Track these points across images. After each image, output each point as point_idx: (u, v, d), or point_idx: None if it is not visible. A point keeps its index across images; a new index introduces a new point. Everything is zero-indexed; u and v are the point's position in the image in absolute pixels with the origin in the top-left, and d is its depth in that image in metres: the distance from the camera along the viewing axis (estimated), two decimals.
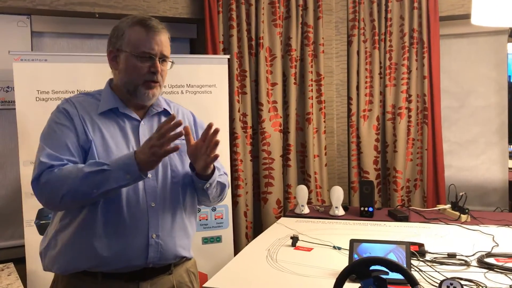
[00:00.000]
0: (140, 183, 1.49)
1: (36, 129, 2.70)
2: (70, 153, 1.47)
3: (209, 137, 1.48)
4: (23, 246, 2.70)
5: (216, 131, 1.48)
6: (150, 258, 1.50)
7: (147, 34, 1.52)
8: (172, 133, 1.36)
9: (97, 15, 3.15)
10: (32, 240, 2.71)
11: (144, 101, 1.56)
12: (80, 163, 1.47)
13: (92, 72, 2.87)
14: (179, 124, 1.37)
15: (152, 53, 1.52)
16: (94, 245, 1.47)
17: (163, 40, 1.55)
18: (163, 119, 1.59)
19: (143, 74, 1.52)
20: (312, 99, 3.51)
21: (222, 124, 3.13)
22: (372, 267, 1.37)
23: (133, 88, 1.53)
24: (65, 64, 2.80)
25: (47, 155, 1.45)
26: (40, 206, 2.72)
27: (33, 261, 2.69)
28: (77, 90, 2.82)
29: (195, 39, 3.60)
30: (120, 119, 1.56)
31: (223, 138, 3.14)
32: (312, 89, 3.51)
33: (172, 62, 1.62)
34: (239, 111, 3.37)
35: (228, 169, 3.16)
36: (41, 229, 2.73)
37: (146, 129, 1.58)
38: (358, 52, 3.57)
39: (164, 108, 1.65)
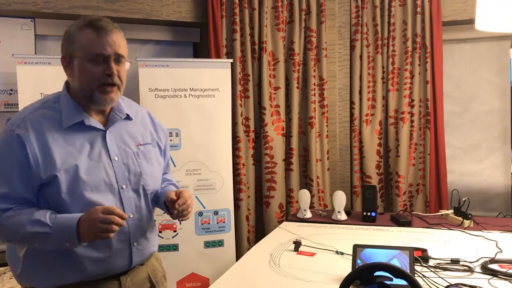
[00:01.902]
0: (117, 196, 1.49)
1: None
2: (22, 198, 1.39)
3: (184, 213, 1.56)
4: None
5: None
6: (134, 262, 1.56)
7: (98, 35, 1.43)
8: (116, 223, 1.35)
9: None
10: None
11: (103, 106, 1.50)
12: (29, 201, 1.40)
13: None
14: (125, 218, 1.38)
15: (106, 54, 1.44)
16: (80, 260, 1.45)
17: (116, 40, 1.45)
18: (128, 123, 1.58)
19: (98, 78, 1.44)
20: (314, 103, 3.51)
21: (224, 128, 3.15)
22: (377, 273, 1.37)
23: (89, 94, 1.45)
24: None
25: None
26: None
27: None
28: None
29: (198, 43, 3.61)
30: (87, 133, 1.48)
31: (226, 142, 3.15)
32: (314, 93, 3.51)
33: (130, 62, 1.54)
34: (241, 115, 3.37)
35: (230, 173, 3.16)
36: None
37: (113, 139, 1.53)
38: (361, 57, 3.58)
39: (127, 114, 1.60)
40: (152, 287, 1.65)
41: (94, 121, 1.50)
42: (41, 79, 2.74)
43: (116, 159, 1.51)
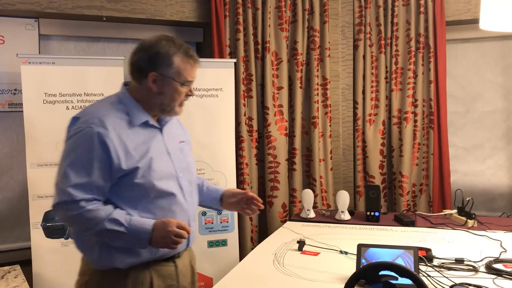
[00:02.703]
0: (177, 182, 1.71)
1: (43, 131, 2.73)
2: (98, 189, 1.57)
3: (252, 206, 1.91)
4: (30, 248, 2.71)
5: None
6: (190, 244, 1.80)
7: (192, 66, 1.69)
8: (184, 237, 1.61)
9: (104, 19, 3.16)
10: (39, 243, 2.71)
11: (173, 116, 1.76)
12: (104, 191, 1.58)
13: (99, 75, 2.88)
14: (189, 232, 1.63)
15: (192, 81, 1.72)
16: None
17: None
18: (170, 124, 1.79)
19: (182, 98, 1.71)
20: (318, 103, 3.51)
21: (227, 128, 3.15)
22: (382, 272, 1.37)
23: (169, 108, 1.69)
24: (72, 67, 2.82)
25: (74, 187, 1.54)
26: (47, 208, 2.75)
27: (39, 264, 2.70)
28: (84, 93, 2.84)
29: (201, 43, 3.61)
30: (149, 130, 1.70)
31: (229, 141, 3.15)
32: (318, 93, 3.51)
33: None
34: (245, 115, 3.37)
35: (233, 173, 3.16)
36: (48, 231, 2.74)
37: (166, 136, 1.75)
38: (364, 57, 3.58)
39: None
40: (193, 271, 1.86)
41: (153, 121, 1.72)
42: (45, 79, 2.75)
43: (172, 152, 1.73)
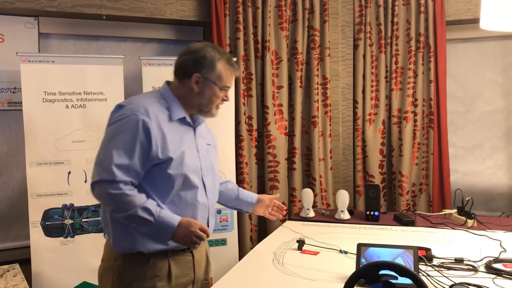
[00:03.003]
0: (201, 180, 1.83)
1: (43, 130, 2.73)
2: (136, 173, 1.68)
3: (279, 210, 2.26)
4: (29, 247, 2.71)
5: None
6: (208, 237, 1.83)
7: (232, 73, 1.85)
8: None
9: (104, 17, 3.16)
10: (38, 241, 2.71)
11: (208, 117, 1.90)
12: (140, 175, 1.70)
13: (98, 74, 2.88)
14: (208, 236, 1.77)
15: (230, 87, 1.87)
16: None
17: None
18: (201, 126, 1.93)
19: (219, 101, 1.86)
20: (317, 102, 3.51)
21: (227, 127, 3.15)
22: (382, 272, 1.36)
23: (207, 109, 1.84)
24: (72, 66, 2.82)
25: (117, 167, 1.65)
26: (46, 207, 2.75)
27: (38, 262, 2.70)
28: (84, 91, 2.84)
29: (201, 42, 3.60)
30: (185, 127, 1.84)
31: (229, 140, 3.15)
32: (318, 93, 3.51)
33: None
34: (244, 114, 3.37)
35: (233, 172, 3.16)
36: (47, 230, 2.74)
37: (199, 135, 1.90)
38: (364, 56, 3.57)
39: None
40: (207, 262, 1.98)
41: (189, 119, 1.86)
42: (45, 77, 2.75)
43: (200, 151, 1.86)
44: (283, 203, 3.43)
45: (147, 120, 1.69)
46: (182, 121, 1.82)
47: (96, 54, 3.30)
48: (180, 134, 1.79)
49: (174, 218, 1.70)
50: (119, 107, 1.77)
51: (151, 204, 1.68)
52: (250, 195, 2.21)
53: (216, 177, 1.97)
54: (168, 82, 1.88)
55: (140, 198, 1.67)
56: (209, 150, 1.94)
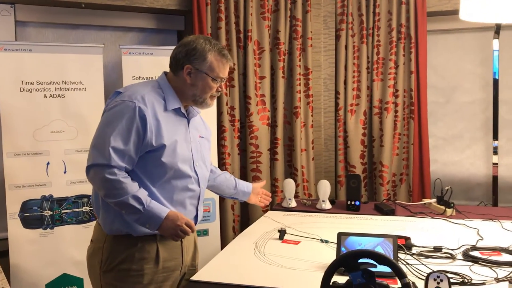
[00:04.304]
0: (193, 169, 1.88)
1: (20, 120, 2.68)
2: (130, 158, 1.73)
3: (266, 197, 2.42)
4: (7, 239, 2.66)
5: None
6: (196, 224, 1.92)
7: (224, 64, 1.87)
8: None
9: (83, 5, 3.10)
10: (16, 233, 2.67)
11: (204, 108, 1.94)
12: (134, 162, 1.75)
13: (77, 63, 2.83)
14: (193, 232, 1.85)
15: (223, 78, 1.90)
16: None
17: (229, 68, 1.95)
18: (195, 118, 1.97)
19: (212, 92, 1.89)
20: (300, 93, 3.51)
21: (209, 117, 3.11)
22: (361, 260, 1.37)
23: (201, 100, 1.88)
24: (50, 55, 2.76)
25: (113, 150, 1.69)
26: (24, 198, 2.71)
27: (17, 255, 2.66)
28: (62, 81, 2.79)
29: (182, 31, 3.57)
30: (179, 117, 1.88)
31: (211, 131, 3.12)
32: (300, 83, 3.51)
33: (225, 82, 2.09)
34: (227, 104, 3.35)
35: (215, 162, 3.15)
36: (25, 221, 2.70)
37: (192, 127, 1.94)
38: (346, 47, 3.58)
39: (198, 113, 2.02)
40: (195, 249, 2.04)
41: (184, 110, 1.90)
42: (22, 66, 2.69)
43: (193, 143, 1.90)
44: None
45: (144, 108, 1.74)
46: (177, 111, 1.86)
47: (75, 43, 3.23)
48: (174, 124, 1.84)
49: (162, 210, 1.74)
50: (116, 93, 1.82)
51: (142, 193, 1.73)
52: (246, 185, 2.32)
53: (207, 169, 2.02)
54: (166, 73, 1.93)
55: (132, 187, 1.71)
56: (201, 142, 1.98)
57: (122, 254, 1.78)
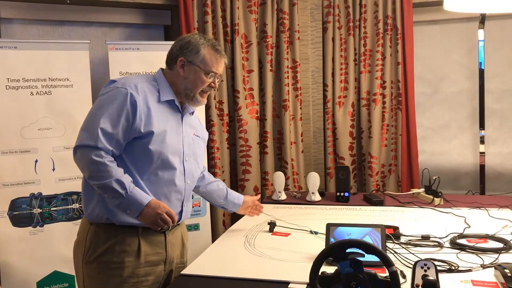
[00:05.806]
0: (182, 164, 1.88)
1: (7, 118, 2.66)
2: (118, 143, 1.74)
3: (257, 209, 2.41)
4: None
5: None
6: (181, 219, 1.94)
7: (217, 58, 1.88)
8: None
9: (68, 1, 3.08)
10: (5, 232, 2.66)
11: (195, 105, 1.94)
12: (121, 147, 1.76)
13: (63, 59, 2.82)
14: (174, 223, 1.80)
15: (216, 73, 1.90)
16: None
17: (224, 65, 1.94)
18: (191, 116, 1.99)
19: (205, 86, 1.89)
20: (288, 86, 3.52)
21: (198, 112, 3.11)
22: (349, 250, 1.39)
23: (192, 94, 1.88)
24: (36, 51, 2.75)
25: (102, 132, 1.70)
26: (13, 197, 2.69)
27: (7, 253, 2.65)
28: (49, 78, 2.77)
29: (169, 26, 3.55)
30: (172, 110, 1.88)
31: None
32: (288, 76, 3.52)
33: (222, 80, 2.00)
34: (215, 99, 3.35)
35: (204, 157, 3.15)
36: (14, 220, 2.69)
37: (187, 123, 1.94)
38: (333, 39, 3.59)
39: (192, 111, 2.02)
40: (183, 246, 2.01)
41: (178, 103, 1.91)
42: (7, 63, 2.67)
43: (186, 138, 1.91)
44: (256, 187, 3.45)
45: (135, 94, 1.76)
46: (171, 104, 1.88)
47: (60, 40, 3.21)
48: (166, 115, 1.84)
49: (144, 197, 1.74)
50: (111, 81, 1.85)
51: (126, 179, 1.73)
52: (237, 196, 2.29)
53: (199, 167, 2.01)
54: (162, 69, 1.95)
55: (117, 171, 1.72)
56: (195, 140, 1.98)
57: (103, 246, 1.78)
